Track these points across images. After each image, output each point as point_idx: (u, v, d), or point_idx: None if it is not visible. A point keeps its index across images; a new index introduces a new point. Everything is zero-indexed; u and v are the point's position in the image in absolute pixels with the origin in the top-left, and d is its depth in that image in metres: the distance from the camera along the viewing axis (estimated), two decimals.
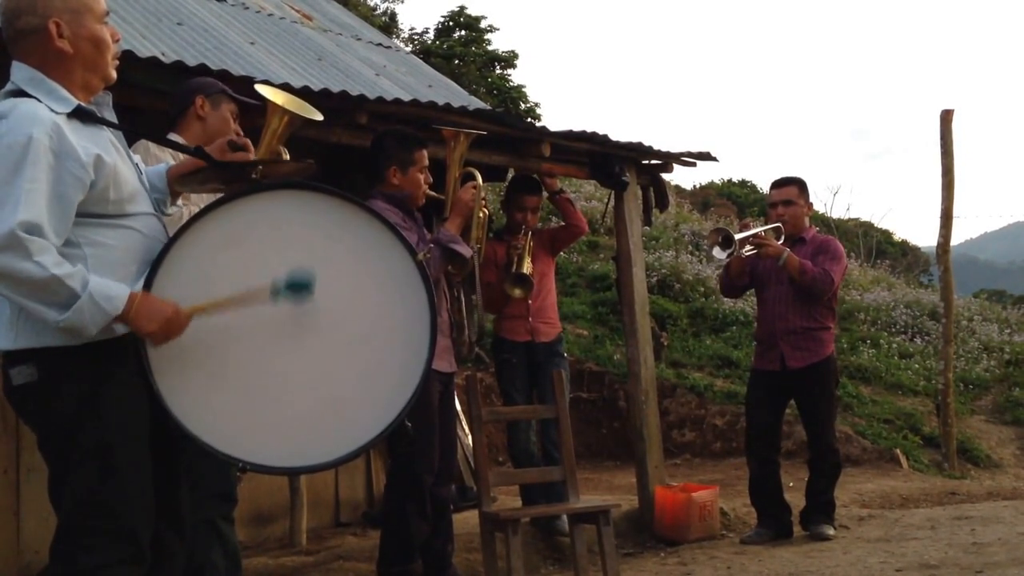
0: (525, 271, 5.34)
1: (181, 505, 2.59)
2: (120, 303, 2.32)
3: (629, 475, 7.05)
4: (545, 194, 5.77)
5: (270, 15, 7.20)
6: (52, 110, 2.35)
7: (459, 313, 4.72)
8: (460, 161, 4.67)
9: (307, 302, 2.48)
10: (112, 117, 2.56)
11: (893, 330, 11.91)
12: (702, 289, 11.86)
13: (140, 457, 2.41)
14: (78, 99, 2.43)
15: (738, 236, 5.50)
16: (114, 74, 2.53)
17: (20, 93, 2.39)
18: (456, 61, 21.52)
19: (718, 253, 5.58)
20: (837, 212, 24.80)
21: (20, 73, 2.42)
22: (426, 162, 4.45)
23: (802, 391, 5.67)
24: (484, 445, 4.72)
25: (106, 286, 2.32)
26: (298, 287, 2.46)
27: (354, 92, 4.84)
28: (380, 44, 8.14)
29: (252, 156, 2.68)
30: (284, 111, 3.35)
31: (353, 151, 4.86)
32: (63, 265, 2.27)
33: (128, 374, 2.40)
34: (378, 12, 22.45)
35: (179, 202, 2.85)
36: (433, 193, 4.52)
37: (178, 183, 2.71)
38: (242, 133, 3.61)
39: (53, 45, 2.40)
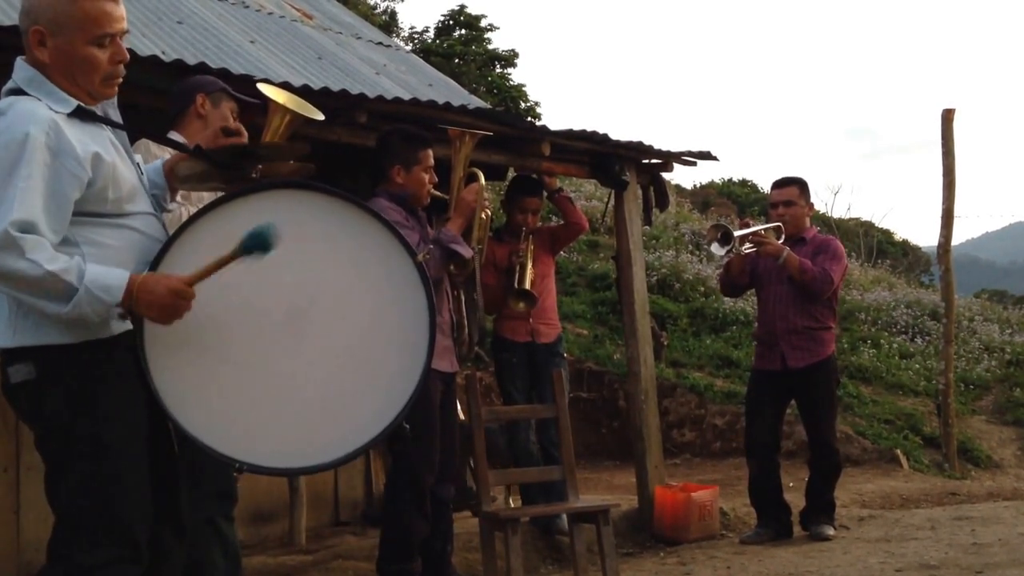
0: (527, 286, 5.34)
1: (181, 505, 2.58)
2: (118, 292, 2.30)
3: (628, 475, 7.05)
4: (544, 193, 5.77)
5: (270, 14, 7.20)
6: (51, 109, 2.35)
7: (459, 312, 4.71)
8: (465, 161, 4.66)
9: (273, 253, 2.36)
10: (117, 117, 2.55)
11: (894, 330, 11.90)
12: (702, 289, 11.85)
13: (137, 456, 2.41)
14: (79, 99, 2.42)
15: (737, 233, 5.50)
16: (108, 92, 2.48)
17: (20, 91, 2.39)
18: (456, 60, 21.50)
19: (716, 249, 5.58)
20: (838, 212, 24.79)
21: (21, 72, 2.42)
22: (431, 161, 4.44)
23: (803, 391, 5.67)
24: (483, 444, 4.72)
25: (103, 275, 2.30)
26: (261, 242, 2.34)
27: (354, 91, 4.84)
28: (380, 43, 8.13)
29: (244, 140, 2.67)
30: (285, 110, 3.35)
31: (353, 150, 4.85)
32: (57, 260, 2.26)
33: (126, 374, 2.39)
34: (378, 11, 22.44)
35: (178, 199, 2.84)
36: (437, 193, 4.52)
37: (179, 181, 2.70)
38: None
39: (31, 51, 2.41)
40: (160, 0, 6.13)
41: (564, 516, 5.12)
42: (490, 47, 22.42)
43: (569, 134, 5.58)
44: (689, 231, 14.65)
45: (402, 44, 16.53)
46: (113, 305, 2.30)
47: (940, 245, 9.65)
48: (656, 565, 5.24)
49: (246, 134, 2.70)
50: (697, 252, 13.21)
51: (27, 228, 2.24)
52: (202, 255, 2.45)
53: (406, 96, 5.14)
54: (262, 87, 3.45)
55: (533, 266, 5.44)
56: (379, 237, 2.61)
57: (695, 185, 24.81)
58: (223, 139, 2.62)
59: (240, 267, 2.48)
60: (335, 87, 4.93)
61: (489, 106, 7.09)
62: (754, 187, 25.08)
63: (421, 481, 4.33)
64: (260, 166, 2.64)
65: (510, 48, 22.64)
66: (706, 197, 22.71)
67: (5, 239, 2.21)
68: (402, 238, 2.64)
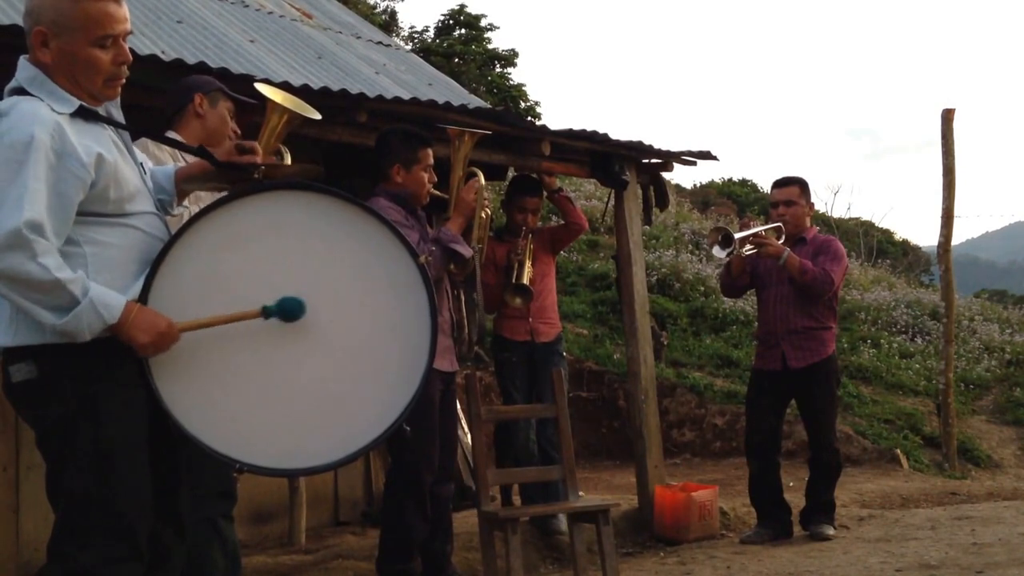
0: (525, 281, 5.34)
1: (181, 505, 2.58)
2: (117, 312, 2.32)
3: (628, 475, 7.05)
4: (544, 193, 5.77)
5: (270, 13, 7.19)
6: (53, 109, 2.35)
7: (459, 312, 4.71)
8: (464, 161, 4.66)
9: (296, 323, 2.48)
10: (120, 116, 2.55)
11: (894, 330, 11.90)
12: (702, 288, 11.85)
13: (137, 456, 2.41)
14: (81, 100, 2.42)
15: (738, 235, 5.50)
16: (110, 93, 2.48)
17: (23, 90, 2.39)
18: (456, 59, 21.50)
19: (718, 252, 5.58)
20: (838, 211, 24.80)
21: (23, 72, 2.43)
22: (431, 161, 4.44)
23: (803, 391, 5.67)
24: (484, 444, 4.71)
25: (105, 294, 2.32)
26: (288, 314, 2.46)
27: (354, 90, 4.83)
28: (380, 42, 8.13)
29: (260, 160, 2.67)
30: (283, 109, 3.35)
31: (353, 150, 4.85)
32: (65, 269, 2.28)
33: (127, 373, 2.40)
34: (378, 10, 22.42)
35: (185, 202, 2.84)
36: (437, 192, 4.51)
37: (184, 182, 2.71)
38: (240, 131, 3.61)
39: (34, 52, 2.41)
40: (160, 0, 6.13)
41: (561, 516, 5.12)
42: (490, 47, 22.40)
43: (569, 134, 5.57)
44: (689, 231, 14.65)
45: (402, 44, 16.53)
46: (110, 324, 2.32)
47: (940, 245, 9.65)
48: (656, 565, 5.24)
49: (261, 153, 2.70)
50: (697, 252, 13.20)
51: (36, 229, 2.24)
52: (203, 255, 2.45)
53: (406, 95, 5.13)
54: (259, 87, 3.45)
55: (532, 265, 5.44)
56: (380, 237, 2.61)
57: (695, 185, 24.82)
58: (237, 156, 2.62)
59: (243, 268, 2.49)
60: (335, 87, 4.93)
61: (489, 106, 7.08)
62: (754, 187, 25.07)
63: (421, 481, 4.33)
64: (263, 167, 2.64)
65: (510, 48, 22.66)
66: (706, 197, 22.70)
67: (17, 238, 2.21)
68: (403, 238, 2.63)
